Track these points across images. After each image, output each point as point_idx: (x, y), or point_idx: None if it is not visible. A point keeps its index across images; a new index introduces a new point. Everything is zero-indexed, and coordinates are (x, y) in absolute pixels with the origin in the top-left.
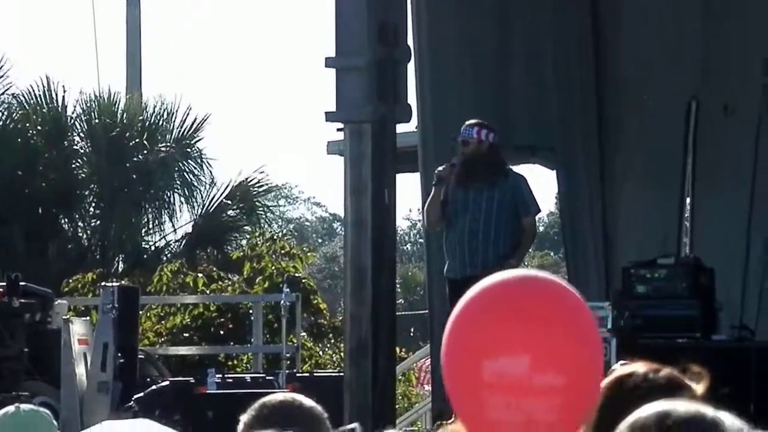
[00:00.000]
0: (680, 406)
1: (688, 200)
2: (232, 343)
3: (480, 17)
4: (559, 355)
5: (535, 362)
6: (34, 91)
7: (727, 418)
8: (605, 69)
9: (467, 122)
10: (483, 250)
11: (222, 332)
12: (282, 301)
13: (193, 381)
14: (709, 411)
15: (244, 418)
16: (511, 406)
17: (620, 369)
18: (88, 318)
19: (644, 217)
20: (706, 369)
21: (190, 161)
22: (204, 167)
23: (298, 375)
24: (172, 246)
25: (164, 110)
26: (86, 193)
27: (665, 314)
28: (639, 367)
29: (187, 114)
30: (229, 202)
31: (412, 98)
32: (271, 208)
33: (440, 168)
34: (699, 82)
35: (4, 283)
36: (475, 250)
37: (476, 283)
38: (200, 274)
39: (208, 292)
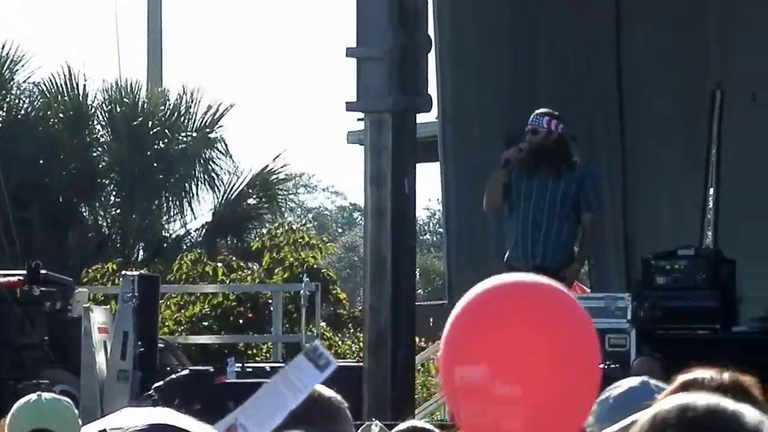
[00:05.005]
0: (701, 398)
1: (711, 191)
2: (251, 333)
3: (500, 6)
4: (517, 366)
5: (495, 372)
6: (55, 79)
7: (747, 410)
8: (627, 57)
9: (537, 111)
10: (544, 241)
11: (241, 321)
12: (301, 291)
13: (212, 370)
14: (729, 404)
15: None
16: (478, 413)
17: (682, 376)
18: (108, 307)
19: (666, 209)
20: (726, 360)
21: (211, 150)
22: (225, 156)
23: None
24: (192, 235)
25: (186, 99)
26: (107, 182)
27: (685, 305)
28: (702, 372)
29: (210, 105)
30: (250, 190)
31: (432, 88)
32: (290, 196)
33: (508, 151)
34: (723, 70)
35: (25, 272)
36: (537, 242)
37: (541, 272)
38: (220, 264)
39: (227, 281)
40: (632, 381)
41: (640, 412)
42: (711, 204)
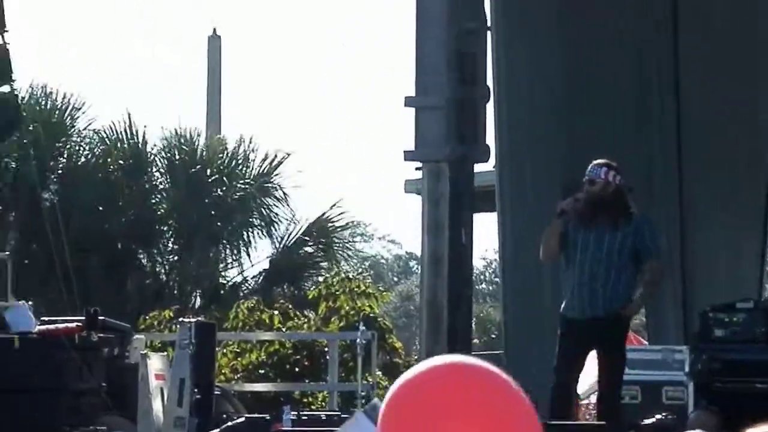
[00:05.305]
0: None
1: None
2: (307, 381)
3: (557, 57)
4: None
5: None
6: (115, 127)
7: None
8: (687, 110)
9: (595, 161)
10: (602, 293)
11: (297, 369)
12: (357, 340)
13: (268, 418)
14: None
15: None
16: None
17: (750, 431)
18: (165, 353)
19: (724, 261)
20: None
21: (268, 198)
22: (283, 204)
23: None
24: (249, 282)
25: (244, 148)
26: (165, 228)
27: (743, 358)
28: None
29: (268, 153)
30: (307, 238)
31: (490, 138)
32: (347, 245)
33: (564, 201)
34: None
35: (84, 318)
36: (595, 293)
37: (597, 324)
38: (276, 312)
39: (284, 329)
40: None
41: None
42: None
